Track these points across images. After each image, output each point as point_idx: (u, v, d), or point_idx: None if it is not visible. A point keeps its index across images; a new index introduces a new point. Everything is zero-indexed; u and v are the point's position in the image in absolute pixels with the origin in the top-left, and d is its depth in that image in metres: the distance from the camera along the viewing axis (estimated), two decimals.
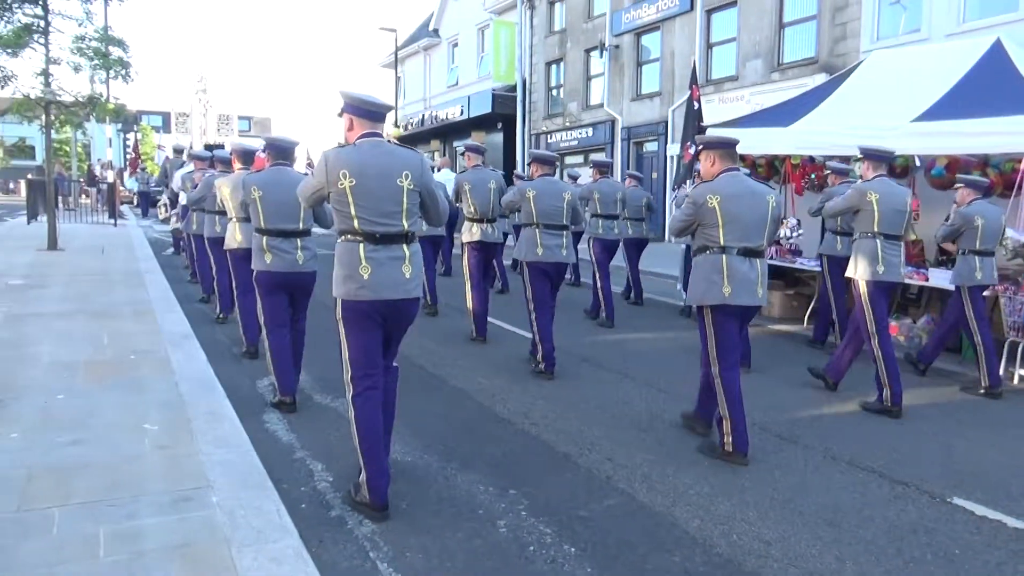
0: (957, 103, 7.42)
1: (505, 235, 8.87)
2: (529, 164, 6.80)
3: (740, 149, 8.80)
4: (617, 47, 21.85)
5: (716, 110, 16.47)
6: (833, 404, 5.83)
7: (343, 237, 3.58)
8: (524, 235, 6.50)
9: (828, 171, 7.83)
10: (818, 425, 5.31)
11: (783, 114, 9.18)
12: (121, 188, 29.32)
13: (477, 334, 7.71)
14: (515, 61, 25.88)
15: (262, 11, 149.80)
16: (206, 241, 8.12)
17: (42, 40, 12.35)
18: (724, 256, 4.42)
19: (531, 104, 25.96)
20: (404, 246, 3.59)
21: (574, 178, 11.84)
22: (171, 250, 14.27)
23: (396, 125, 30.13)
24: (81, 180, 26.23)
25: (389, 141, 3.59)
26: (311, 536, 3.39)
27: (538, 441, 4.78)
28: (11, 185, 51.59)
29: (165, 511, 3.31)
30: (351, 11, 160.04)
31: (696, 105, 9.56)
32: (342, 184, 3.47)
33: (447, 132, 30.46)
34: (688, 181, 9.51)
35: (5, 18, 12.05)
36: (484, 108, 26.20)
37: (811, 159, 9.47)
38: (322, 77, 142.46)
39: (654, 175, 20.46)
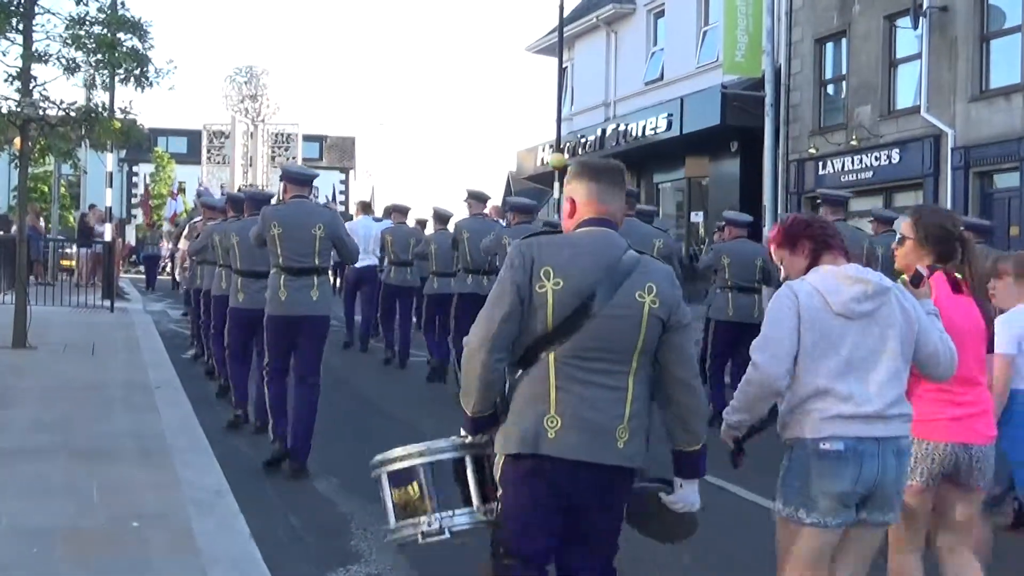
0: None
1: None
2: (508, 212, 11.22)
3: None
4: (944, 9, 21.59)
5: None
6: None
7: (273, 269, 8.44)
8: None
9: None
10: None
11: None
12: (127, 247, 31.67)
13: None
14: (761, 39, 26.10)
15: None
16: (210, 298, 11.72)
17: (22, 26, 13.66)
18: None
19: (789, 111, 26.00)
20: (314, 277, 8.40)
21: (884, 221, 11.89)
22: (192, 351, 15.20)
23: (559, 148, 30.79)
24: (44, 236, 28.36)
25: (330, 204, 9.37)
26: None
27: None
28: None
29: None
30: None
31: None
32: (272, 232, 8.28)
33: (644, 158, 30.93)
34: None
35: None
36: (708, 119, 26.51)
37: None
38: (437, 76, 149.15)
39: (1014, 231, 19.74)
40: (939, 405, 4.58)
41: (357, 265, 14.88)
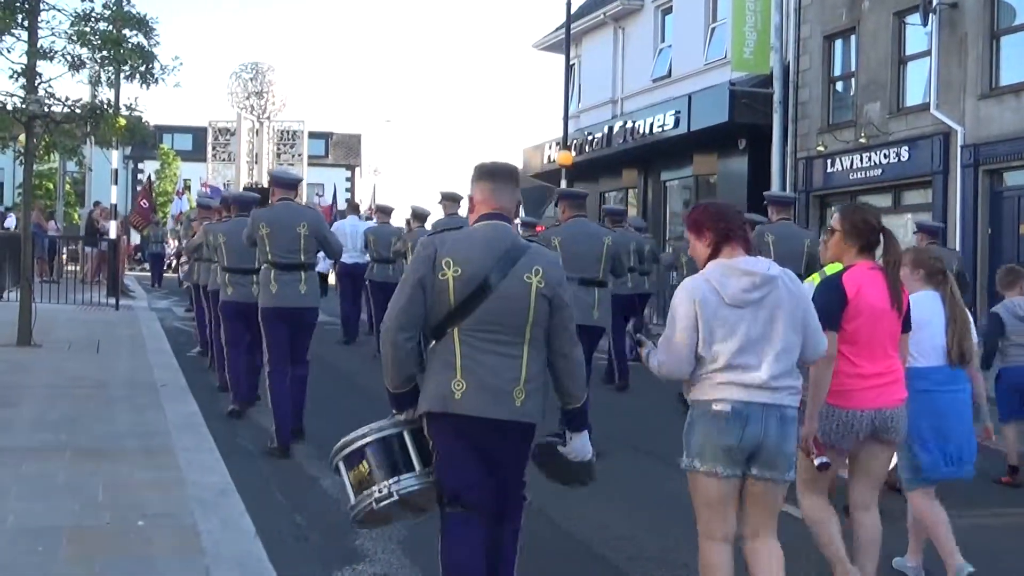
0: None
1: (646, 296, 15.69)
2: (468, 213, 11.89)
3: None
4: (953, 6, 21.56)
5: None
6: None
7: (263, 265, 9.51)
8: None
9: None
10: None
11: None
12: (131, 247, 31.70)
13: None
14: (769, 36, 26.06)
15: None
16: (208, 293, 12.63)
17: (27, 23, 13.69)
18: None
19: (798, 108, 25.98)
20: (301, 272, 9.44)
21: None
22: (197, 349, 15.30)
23: (566, 146, 30.75)
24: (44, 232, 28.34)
25: (309, 203, 11.14)
26: None
27: None
28: None
29: None
30: None
31: None
32: (261, 232, 9.37)
33: (652, 155, 30.94)
34: None
35: None
36: (716, 116, 26.48)
37: None
38: (443, 73, 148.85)
39: (1023, 229, 19.69)
40: (857, 379, 5.40)
41: (349, 262, 16.87)
